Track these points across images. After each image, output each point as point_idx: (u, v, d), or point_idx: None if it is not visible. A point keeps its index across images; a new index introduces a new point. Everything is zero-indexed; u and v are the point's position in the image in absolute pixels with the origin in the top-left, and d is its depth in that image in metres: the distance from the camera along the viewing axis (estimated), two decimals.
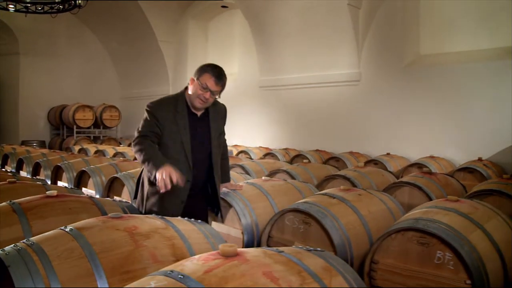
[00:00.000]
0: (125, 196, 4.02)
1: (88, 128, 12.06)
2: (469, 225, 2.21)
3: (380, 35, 8.10)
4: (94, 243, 1.56)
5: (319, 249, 1.61)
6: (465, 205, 2.44)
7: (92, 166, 4.62)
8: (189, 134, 2.43)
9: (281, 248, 1.47)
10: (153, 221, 1.82)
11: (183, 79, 11.99)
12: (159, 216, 1.95)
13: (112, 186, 4.24)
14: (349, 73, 8.33)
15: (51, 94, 12.47)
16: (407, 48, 7.87)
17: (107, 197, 4.19)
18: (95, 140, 12.08)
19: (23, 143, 11.44)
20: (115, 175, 4.04)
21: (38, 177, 5.65)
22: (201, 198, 2.60)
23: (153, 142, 2.43)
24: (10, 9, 8.27)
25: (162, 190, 2.22)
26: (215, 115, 2.59)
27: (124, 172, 4.10)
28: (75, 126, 11.64)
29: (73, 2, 7.92)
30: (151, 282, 1.13)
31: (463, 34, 7.33)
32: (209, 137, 2.52)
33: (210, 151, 2.52)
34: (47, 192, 2.26)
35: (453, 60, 7.35)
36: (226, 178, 2.87)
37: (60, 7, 8.39)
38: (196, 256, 1.31)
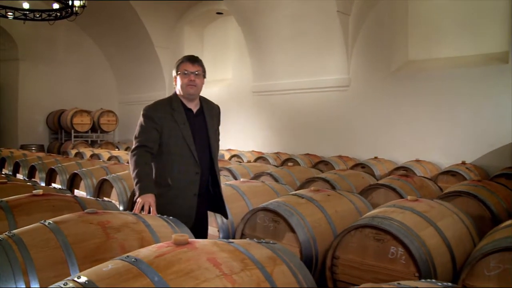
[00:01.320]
0: (114, 197, 4.21)
1: (86, 132, 12.28)
2: (422, 223, 2.39)
3: (369, 41, 8.31)
4: (69, 234, 1.74)
5: (271, 241, 1.79)
6: (423, 204, 2.62)
7: (84, 169, 4.81)
8: (189, 128, 2.47)
9: (232, 240, 1.65)
10: (125, 217, 2.01)
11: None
12: (133, 213, 2.13)
13: (102, 188, 4.43)
14: (339, 78, 8.54)
15: (50, 99, 12.71)
16: (395, 54, 8.07)
17: (97, 198, 4.38)
18: (93, 144, 12.29)
19: (22, 147, 11.65)
20: (105, 177, 4.23)
21: (34, 179, 5.85)
22: (206, 197, 2.57)
23: (151, 152, 2.44)
24: (9, 16, 8.49)
25: (134, 211, 2.27)
26: (210, 111, 2.63)
27: (113, 175, 4.28)
28: (73, 131, 11.85)
29: (70, 9, 8.14)
30: (109, 265, 1.32)
31: (450, 40, 7.54)
32: (206, 132, 2.54)
33: (209, 146, 2.54)
34: (33, 191, 2.45)
35: (439, 65, 7.55)
36: None
37: (57, 14, 8.62)
38: (153, 245, 1.49)
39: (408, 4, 8.00)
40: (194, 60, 2.53)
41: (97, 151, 8.83)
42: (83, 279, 1.24)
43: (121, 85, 14.08)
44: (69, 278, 1.28)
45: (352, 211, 2.96)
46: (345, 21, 8.27)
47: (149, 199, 2.31)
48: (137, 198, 2.35)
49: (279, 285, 1.49)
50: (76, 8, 8.30)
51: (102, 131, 12.52)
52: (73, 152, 9.26)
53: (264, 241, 1.76)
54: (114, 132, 13.03)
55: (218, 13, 11.36)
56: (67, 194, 2.71)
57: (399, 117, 7.79)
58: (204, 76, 2.59)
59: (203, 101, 2.65)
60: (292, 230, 2.59)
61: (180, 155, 2.44)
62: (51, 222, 1.82)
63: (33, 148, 11.64)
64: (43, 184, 5.39)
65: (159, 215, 2.26)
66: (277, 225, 2.69)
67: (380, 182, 4.18)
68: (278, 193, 3.39)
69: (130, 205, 3.92)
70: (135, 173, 2.39)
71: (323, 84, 8.73)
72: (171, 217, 2.26)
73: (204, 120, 2.57)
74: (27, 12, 8.67)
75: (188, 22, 11.97)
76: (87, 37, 13.27)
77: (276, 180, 4.77)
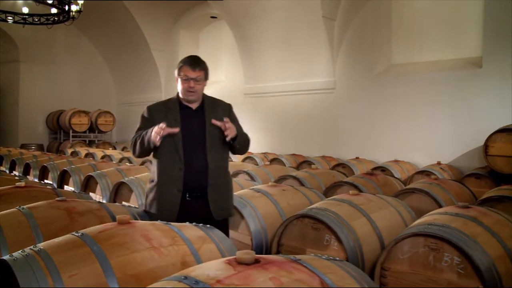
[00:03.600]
0: (98, 192, 4.55)
1: (84, 132, 12.67)
2: (355, 214, 2.71)
3: (353, 45, 8.63)
4: (38, 218, 2.08)
5: (208, 226, 2.12)
6: (361, 198, 2.94)
7: (73, 166, 5.17)
8: (180, 125, 2.47)
9: (171, 222, 1.98)
10: (90, 204, 2.34)
11: (175, 86, 12.52)
12: (97, 201, 2.47)
13: (89, 184, 4.77)
14: (325, 81, 8.86)
15: (50, 99, 13.13)
16: (379, 57, 8.38)
17: (83, 192, 4.72)
18: (90, 144, 12.67)
19: (23, 146, 12.06)
20: (90, 173, 4.58)
21: (28, 176, 6.22)
22: (203, 198, 2.50)
23: None
24: (8, 20, 8.88)
25: (157, 139, 2.33)
26: (213, 107, 2.59)
27: (98, 171, 4.63)
28: (71, 131, 12.24)
29: (66, 15, 8.51)
30: (61, 238, 1.65)
31: (431, 45, 7.85)
32: (204, 128, 2.52)
33: (204, 143, 2.50)
34: (16, 184, 2.80)
35: (420, 69, 7.87)
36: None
37: (55, 19, 9.00)
38: (101, 224, 1.82)
39: (392, 10, 8.31)
40: (195, 65, 2.50)
41: (92, 150, 9.20)
42: (38, 247, 1.57)
43: (119, 87, 14.47)
44: (29, 247, 1.62)
45: (305, 204, 3.27)
46: (331, 26, 8.59)
47: (156, 127, 2.37)
48: (150, 143, 2.42)
49: (204, 260, 1.81)
50: (73, 13, 8.68)
51: (100, 131, 12.91)
52: (70, 151, 9.63)
53: (201, 225, 2.09)
54: (111, 132, 13.42)
55: (212, 17, 11.72)
56: (47, 187, 3.05)
57: (381, 119, 8.10)
58: (206, 78, 2.60)
59: (206, 98, 2.66)
60: (245, 220, 2.91)
61: (166, 151, 2.48)
62: (24, 207, 2.16)
63: (33, 147, 12.04)
64: (36, 180, 5.75)
65: (122, 204, 2.59)
66: (233, 216, 3.01)
67: (344, 180, 4.50)
68: (244, 188, 3.71)
69: (112, 200, 4.26)
70: (135, 146, 2.51)
71: (310, 86, 9.05)
72: (133, 206, 2.59)
73: (203, 116, 2.55)
74: (26, 17, 9.06)
75: (184, 26, 12.33)
76: (86, 39, 13.68)
77: (252, 178, 5.10)
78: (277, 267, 1.29)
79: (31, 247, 1.59)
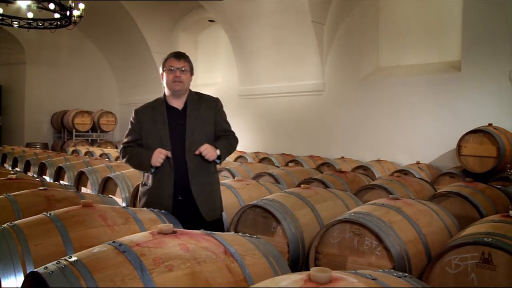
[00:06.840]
0: (89, 187, 4.98)
1: (87, 132, 13.18)
2: (301, 204, 3.08)
3: (342, 49, 8.99)
4: (21, 203, 2.49)
5: (163, 211, 2.51)
6: (309, 191, 3.30)
7: (67, 163, 5.61)
8: (167, 129, 2.47)
9: (129, 207, 2.37)
10: (68, 193, 2.75)
11: None
12: (75, 191, 2.88)
13: (81, 179, 5.20)
14: (314, 83, 9.22)
15: (54, 100, 13.69)
16: (366, 60, 8.73)
17: (76, 188, 5.16)
18: (93, 143, 13.17)
19: (28, 145, 12.60)
20: (82, 169, 5.01)
21: (28, 172, 6.68)
22: (191, 200, 2.52)
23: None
24: (14, 25, 9.39)
25: (157, 164, 2.42)
26: (196, 105, 2.55)
27: (90, 168, 5.06)
28: (74, 130, 12.76)
29: (68, 19, 8.99)
30: (33, 217, 2.05)
31: (415, 49, 8.19)
32: (184, 129, 2.50)
33: (184, 144, 2.49)
34: (8, 176, 3.22)
35: (404, 72, 8.20)
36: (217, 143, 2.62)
37: (58, 23, 9.49)
38: (69, 207, 2.22)
39: (379, 15, 8.65)
40: (179, 56, 2.52)
41: (91, 149, 9.68)
42: (13, 224, 1.98)
43: (121, 88, 14.98)
44: (6, 223, 2.02)
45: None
46: (320, 30, 8.95)
47: (158, 150, 2.44)
48: (150, 167, 2.49)
49: None
50: (75, 18, 9.15)
51: (102, 131, 13.41)
52: (71, 149, 10.12)
53: (157, 210, 2.48)
54: (113, 131, 13.92)
55: (210, 20, 12.13)
56: (36, 179, 3.47)
57: (367, 120, 8.44)
58: (192, 73, 2.59)
59: (192, 96, 2.61)
60: None
61: None
62: (10, 195, 2.57)
63: (38, 146, 12.57)
64: (35, 176, 6.20)
65: (99, 194, 3.00)
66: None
67: (314, 177, 4.87)
68: None
69: (100, 193, 4.68)
70: (132, 162, 2.55)
71: (300, 88, 9.42)
72: (109, 196, 2.99)
73: (185, 116, 2.53)
74: (31, 21, 9.55)
75: (183, 29, 12.77)
76: (89, 42, 14.22)
77: (233, 174, 5.49)
78: (189, 237, 1.67)
79: (8, 223, 2.00)
